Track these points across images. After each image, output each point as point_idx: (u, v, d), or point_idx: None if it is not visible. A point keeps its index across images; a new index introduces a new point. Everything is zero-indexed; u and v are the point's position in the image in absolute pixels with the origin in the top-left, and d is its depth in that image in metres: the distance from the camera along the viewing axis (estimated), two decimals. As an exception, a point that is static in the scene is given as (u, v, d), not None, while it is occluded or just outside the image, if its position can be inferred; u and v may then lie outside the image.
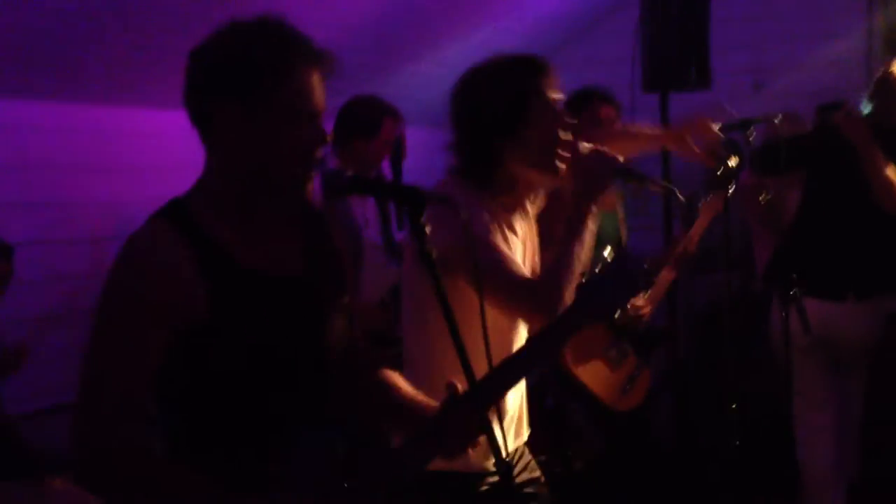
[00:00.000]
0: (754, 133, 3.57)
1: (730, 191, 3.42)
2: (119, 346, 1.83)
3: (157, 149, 5.09)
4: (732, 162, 3.10)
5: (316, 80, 1.91)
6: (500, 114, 2.52)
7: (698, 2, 4.85)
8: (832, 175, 4.11)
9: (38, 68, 4.40)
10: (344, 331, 2.08)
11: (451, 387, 2.00)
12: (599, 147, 2.56)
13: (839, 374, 4.17)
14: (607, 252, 2.19)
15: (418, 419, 2.07)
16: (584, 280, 2.08)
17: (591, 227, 2.44)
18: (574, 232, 2.47)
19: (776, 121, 3.87)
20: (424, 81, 5.18)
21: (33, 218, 4.67)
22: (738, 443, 3.20)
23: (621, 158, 2.55)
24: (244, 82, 1.87)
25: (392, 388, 2.18)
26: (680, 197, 2.71)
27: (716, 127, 2.94)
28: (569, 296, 2.38)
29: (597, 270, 2.14)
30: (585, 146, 2.55)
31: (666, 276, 4.12)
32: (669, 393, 5.03)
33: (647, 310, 3.99)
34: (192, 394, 1.89)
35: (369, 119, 4.29)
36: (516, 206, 2.65)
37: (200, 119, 1.92)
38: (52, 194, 4.75)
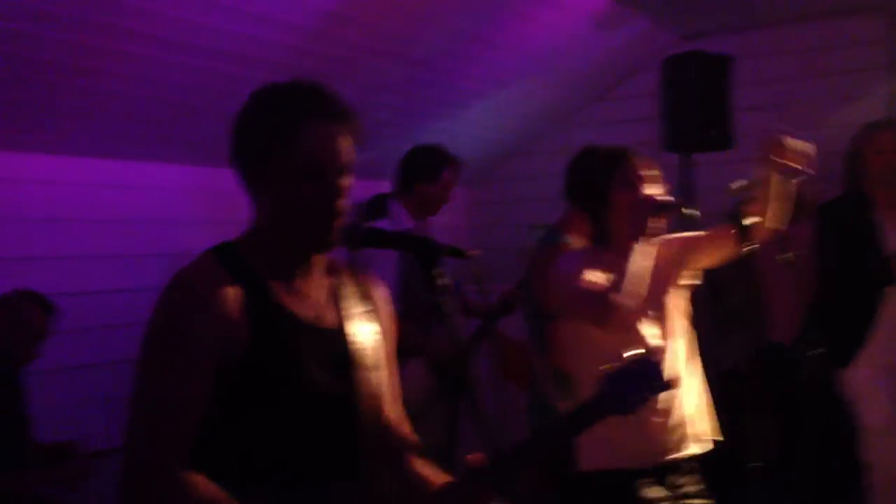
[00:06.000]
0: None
1: (750, 248, 3.42)
2: (169, 381, 1.84)
3: (197, 203, 5.23)
4: (747, 220, 3.11)
5: (330, 136, 1.95)
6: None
7: (719, 63, 4.91)
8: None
9: (76, 128, 4.52)
10: (377, 385, 2.08)
11: (467, 462, 2.02)
12: (644, 193, 3.03)
13: None
14: (630, 350, 2.24)
15: (429, 490, 2.08)
16: (605, 374, 2.12)
17: (644, 249, 2.97)
18: (631, 253, 2.94)
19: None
20: (451, 139, 5.25)
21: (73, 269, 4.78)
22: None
23: (666, 197, 3.03)
24: (261, 142, 1.94)
25: (411, 460, 2.18)
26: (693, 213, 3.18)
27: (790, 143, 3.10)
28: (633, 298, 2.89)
29: (615, 366, 2.16)
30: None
31: None
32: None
33: None
34: (221, 430, 1.87)
35: (430, 165, 4.56)
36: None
37: (237, 176, 2.01)
38: (89, 246, 4.86)
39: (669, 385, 2.11)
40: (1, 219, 4.52)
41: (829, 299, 4.52)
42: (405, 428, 2.24)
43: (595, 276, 3.00)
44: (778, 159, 3.04)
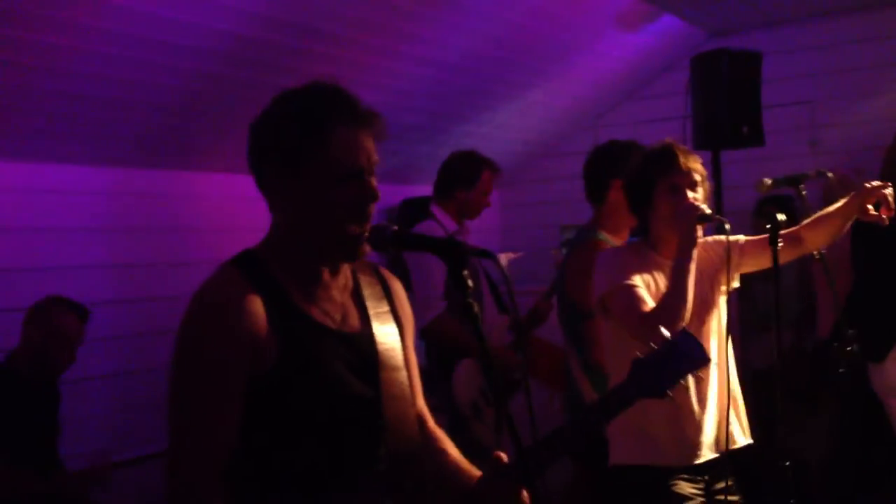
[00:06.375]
0: (805, 189, 3.58)
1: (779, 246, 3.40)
2: (206, 394, 1.86)
3: (223, 211, 5.27)
4: (781, 217, 3.09)
5: (359, 139, 1.95)
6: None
7: (749, 60, 4.88)
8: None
9: (113, 138, 4.56)
10: (403, 385, 2.08)
11: (496, 459, 2.02)
12: (689, 200, 2.97)
13: None
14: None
15: (463, 486, 2.11)
16: (640, 355, 2.11)
17: (693, 265, 2.89)
18: (680, 271, 2.88)
19: (830, 175, 3.85)
20: (480, 142, 5.26)
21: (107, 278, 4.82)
22: (792, 501, 3.16)
23: (705, 208, 2.95)
24: (286, 146, 1.94)
25: (443, 453, 2.21)
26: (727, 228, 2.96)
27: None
28: (681, 321, 2.80)
29: (654, 347, 2.15)
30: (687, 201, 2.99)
31: None
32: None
33: None
34: (246, 439, 1.89)
35: (468, 171, 4.64)
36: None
37: (259, 182, 2.01)
38: (125, 255, 4.90)
39: (706, 360, 2.09)
40: (36, 229, 4.57)
41: (864, 294, 4.48)
42: (432, 423, 2.26)
43: (644, 290, 2.97)
44: (872, 210, 2.97)
